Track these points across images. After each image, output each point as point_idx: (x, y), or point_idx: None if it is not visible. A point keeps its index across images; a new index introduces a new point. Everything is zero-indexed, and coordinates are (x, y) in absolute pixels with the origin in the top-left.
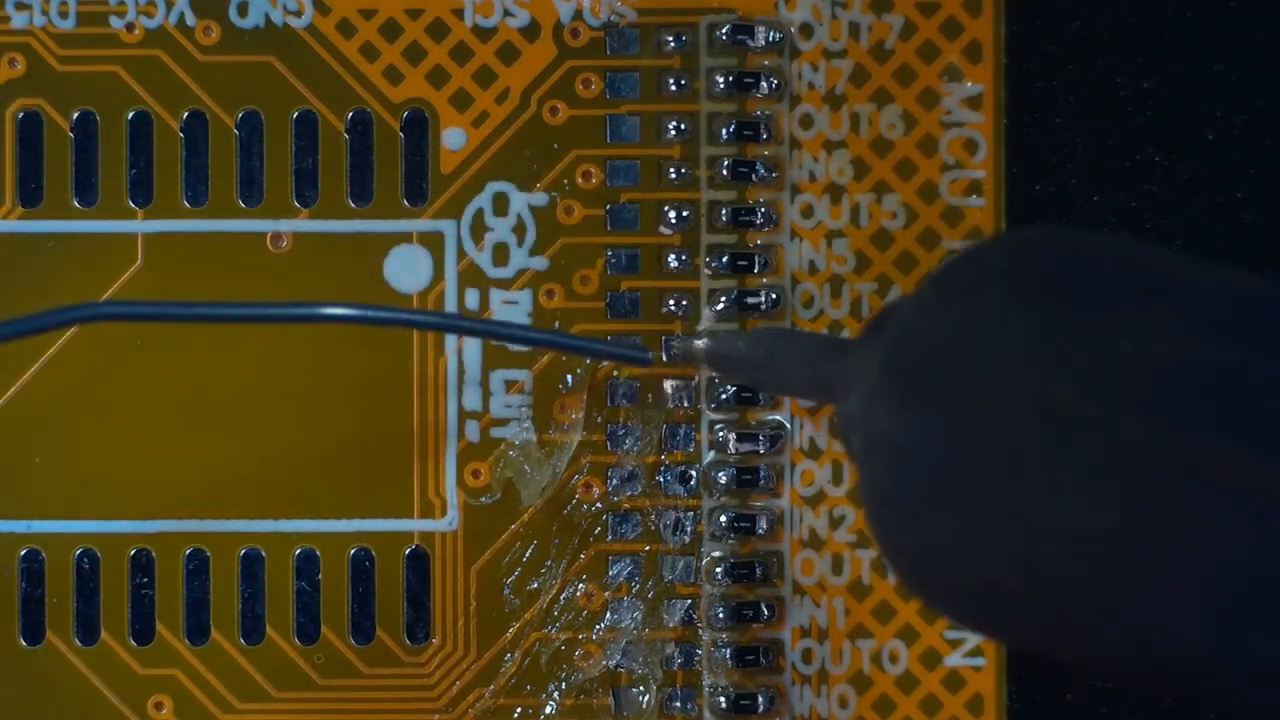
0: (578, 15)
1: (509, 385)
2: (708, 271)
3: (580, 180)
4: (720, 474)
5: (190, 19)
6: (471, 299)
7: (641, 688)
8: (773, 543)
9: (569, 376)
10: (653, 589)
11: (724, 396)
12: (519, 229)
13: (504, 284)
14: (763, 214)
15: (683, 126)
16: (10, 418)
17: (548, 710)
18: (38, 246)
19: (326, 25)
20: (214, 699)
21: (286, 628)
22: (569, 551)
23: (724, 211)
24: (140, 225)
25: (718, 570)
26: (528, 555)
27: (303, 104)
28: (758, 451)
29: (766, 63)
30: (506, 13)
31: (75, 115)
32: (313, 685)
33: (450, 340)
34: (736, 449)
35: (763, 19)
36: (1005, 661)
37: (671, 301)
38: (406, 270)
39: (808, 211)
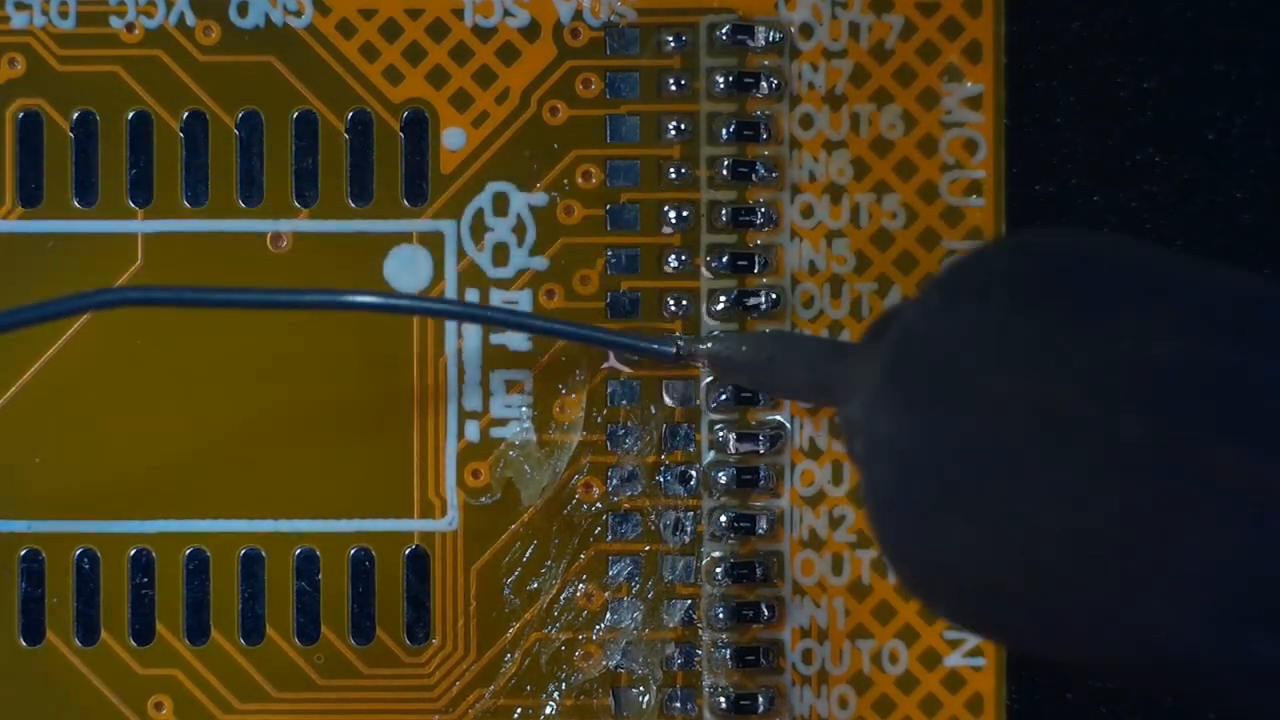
0: (578, 15)
1: (509, 385)
2: (708, 272)
3: (580, 180)
4: (720, 474)
5: (190, 19)
6: (471, 299)
7: (641, 688)
8: (773, 543)
9: (576, 373)
10: (653, 589)
11: (724, 396)
12: (519, 229)
13: (504, 284)
14: (763, 214)
15: (683, 126)
16: (10, 418)
17: (548, 710)
18: (38, 246)
19: (326, 25)
20: (214, 699)
21: (286, 628)
22: (569, 551)
23: (724, 211)
24: (140, 225)
25: (718, 570)
26: (528, 555)
27: (303, 104)
28: (758, 451)
29: (766, 63)
30: (506, 13)
31: (75, 115)
32: (313, 685)
33: (450, 341)
34: (736, 449)
35: (763, 19)
36: (1005, 661)
37: (671, 301)
38: (406, 270)
39: (808, 211)
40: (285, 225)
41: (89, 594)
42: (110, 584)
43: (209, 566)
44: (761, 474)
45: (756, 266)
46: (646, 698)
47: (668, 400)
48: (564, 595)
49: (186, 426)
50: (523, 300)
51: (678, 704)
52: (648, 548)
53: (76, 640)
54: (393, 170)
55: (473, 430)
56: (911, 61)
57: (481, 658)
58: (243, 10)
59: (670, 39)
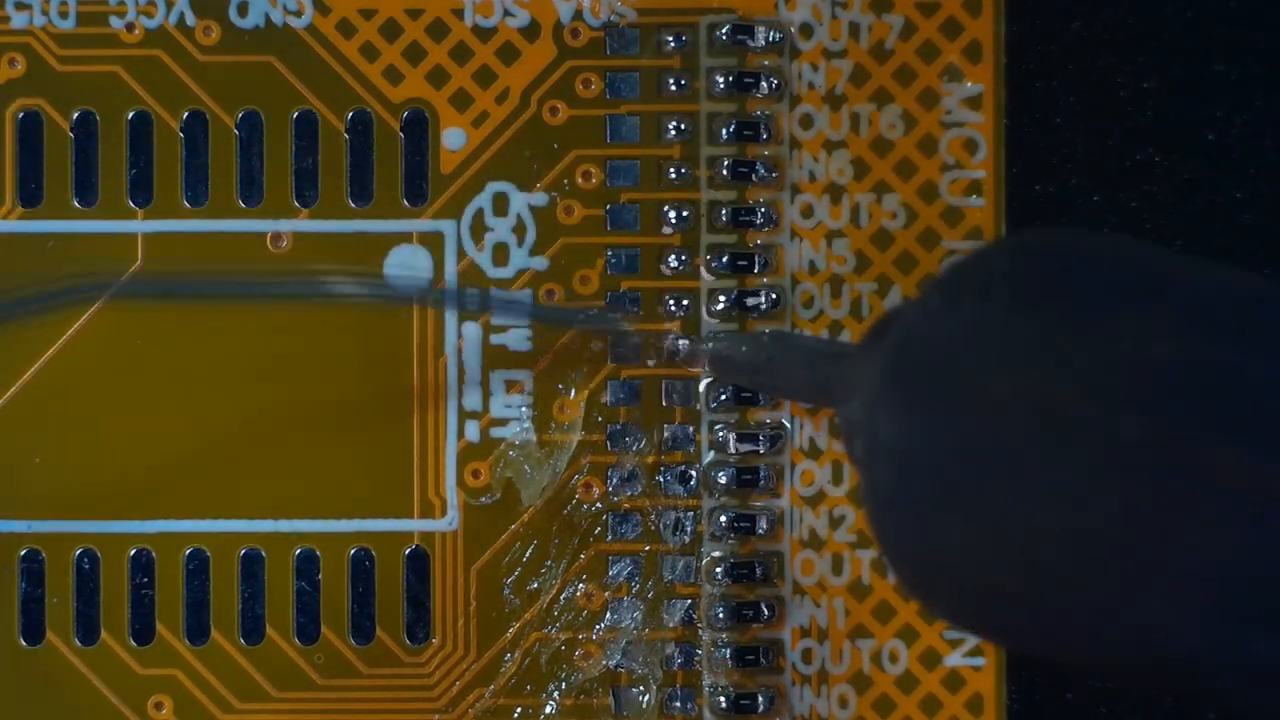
0: (578, 15)
1: (509, 385)
2: (708, 272)
3: (580, 180)
4: (720, 474)
5: (190, 19)
6: (472, 299)
7: (641, 688)
8: (773, 543)
9: (575, 373)
10: (653, 589)
11: (724, 396)
12: (519, 229)
13: (504, 284)
14: (763, 214)
15: (683, 126)
16: (10, 418)
17: (548, 710)
18: (38, 246)
19: (326, 25)
20: (214, 699)
21: (286, 628)
22: (569, 551)
23: (724, 211)
24: (140, 225)
25: (718, 570)
26: (528, 555)
27: (303, 104)
28: (758, 451)
29: (766, 63)
30: (506, 13)
31: (75, 115)
32: (313, 685)
33: (450, 341)
34: (736, 449)
35: (763, 19)
36: (1005, 661)
37: (671, 301)
38: (406, 270)
39: (808, 211)
40: (285, 225)
41: (89, 594)
42: (110, 584)
43: (209, 566)
44: (761, 474)
45: (756, 266)
46: (646, 698)
47: (667, 400)
48: (564, 595)
49: (186, 426)
50: (523, 300)
51: (678, 704)
52: (648, 548)
53: (76, 640)
54: (393, 170)
55: (473, 430)
56: (911, 61)
57: (481, 658)
58: (243, 10)
59: (670, 39)
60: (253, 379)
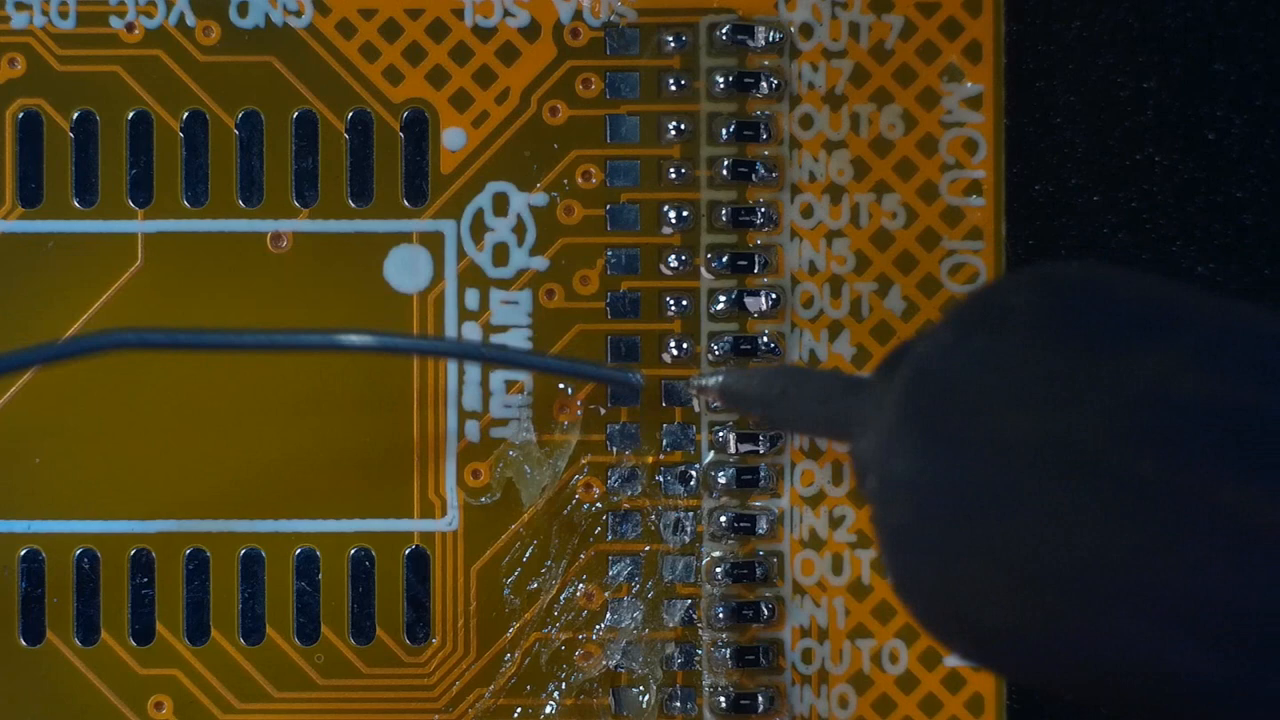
0: (578, 15)
1: (509, 385)
2: (708, 272)
3: (580, 180)
4: (720, 474)
5: (190, 19)
6: (471, 299)
7: (641, 688)
8: (773, 543)
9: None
10: (653, 589)
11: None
12: (519, 229)
13: (504, 284)
14: (763, 214)
15: (683, 126)
16: (10, 418)
17: (548, 710)
18: (38, 246)
19: (326, 25)
20: (214, 699)
21: (286, 628)
22: (569, 551)
23: (724, 211)
24: (140, 225)
25: (718, 570)
26: (528, 555)
27: (303, 104)
28: (758, 451)
29: (766, 63)
30: (506, 13)
31: (75, 115)
32: (313, 685)
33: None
34: (736, 449)
35: (763, 19)
36: None
37: (671, 301)
38: (406, 270)
39: (808, 211)
40: (285, 225)
41: (89, 594)
42: (110, 584)
43: (209, 566)
44: (761, 474)
45: (756, 266)
46: (646, 698)
47: (667, 400)
48: (564, 595)
49: (186, 427)
50: (523, 300)
51: (678, 704)
52: (648, 548)
53: (76, 640)
54: (393, 170)
55: (473, 430)
56: (911, 61)
57: (481, 658)
58: (243, 10)
59: (670, 39)
60: (253, 378)
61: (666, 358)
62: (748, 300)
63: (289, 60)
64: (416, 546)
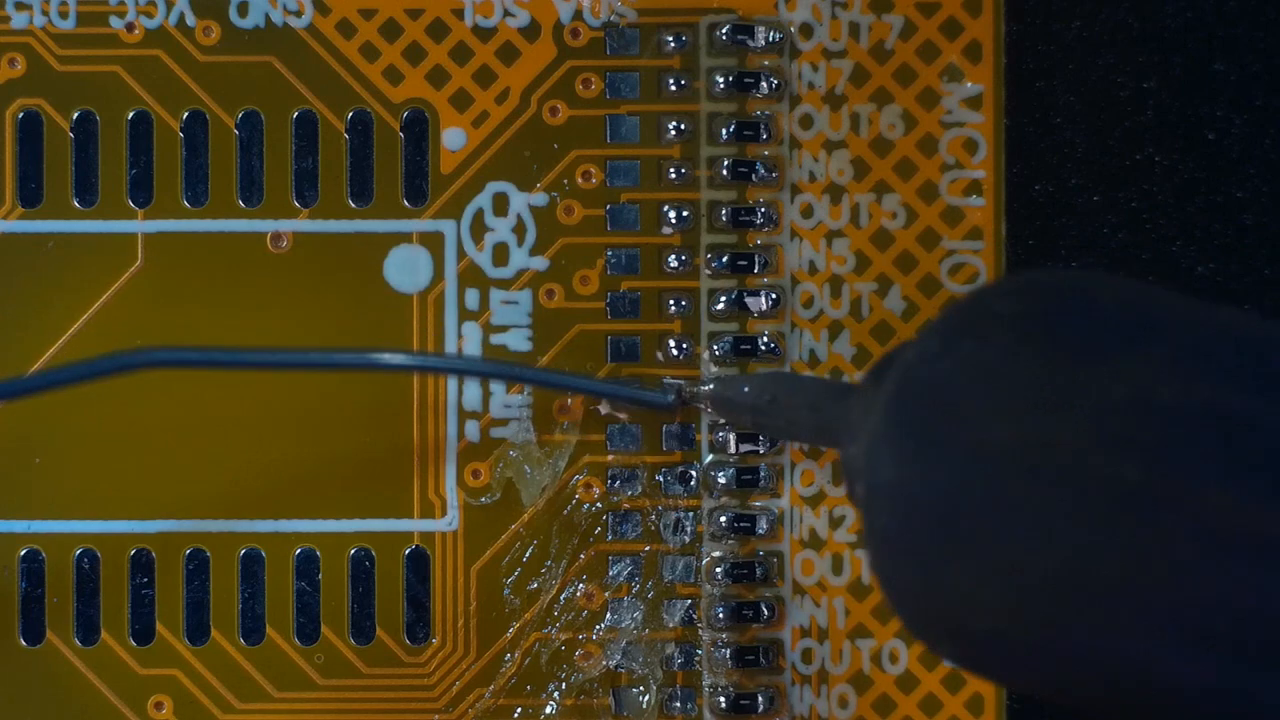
0: (578, 15)
1: (509, 385)
2: (708, 271)
3: (580, 180)
4: (720, 474)
5: (190, 19)
6: (471, 299)
7: (641, 688)
8: (773, 543)
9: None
10: (653, 589)
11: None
12: (519, 229)
13: (504, 284)
14: (763, 214)
15: (683, 126)
16: (10, 418)
17: (548, 710)
18: (38, 246)
19: (326, 25)
20: (214, 699)
21: (286, 628)
22: (569, 551)
23: (724, 211)
24: (140, 225)
25: (718, 570)
26: (528, 555)
27: (303, 104)
28: (758, 451)
29: (766, 63)
30: (506, 13)
31: (75, 115)
32: (313, 685)
33: (451, 341)
34: (736, 449)
35: (763, 19)
36: None
37: (671, 301)
38: (406, 270)
39: (808, 211)
40: (285, 225)
41: (89, 594)
42: (110, 584)
43: (209, 566)
44: (761, 474)
45: (756, 266)
46: (646, 698)
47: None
48: (564, 595)
49: (186, 427)
50: (523, 300)
51: (678, 704)
52: (648, 548)
53: (76, 640)
54: (393, 170)
55: (473, 430)
56: (911, 61)
57: (481, 658)
58: (243, 10)
59: (670, 39)
60: (252, 378)
61: (666, 358)
62: (748, 300)
63: (289, 60)
64: (416, 546)
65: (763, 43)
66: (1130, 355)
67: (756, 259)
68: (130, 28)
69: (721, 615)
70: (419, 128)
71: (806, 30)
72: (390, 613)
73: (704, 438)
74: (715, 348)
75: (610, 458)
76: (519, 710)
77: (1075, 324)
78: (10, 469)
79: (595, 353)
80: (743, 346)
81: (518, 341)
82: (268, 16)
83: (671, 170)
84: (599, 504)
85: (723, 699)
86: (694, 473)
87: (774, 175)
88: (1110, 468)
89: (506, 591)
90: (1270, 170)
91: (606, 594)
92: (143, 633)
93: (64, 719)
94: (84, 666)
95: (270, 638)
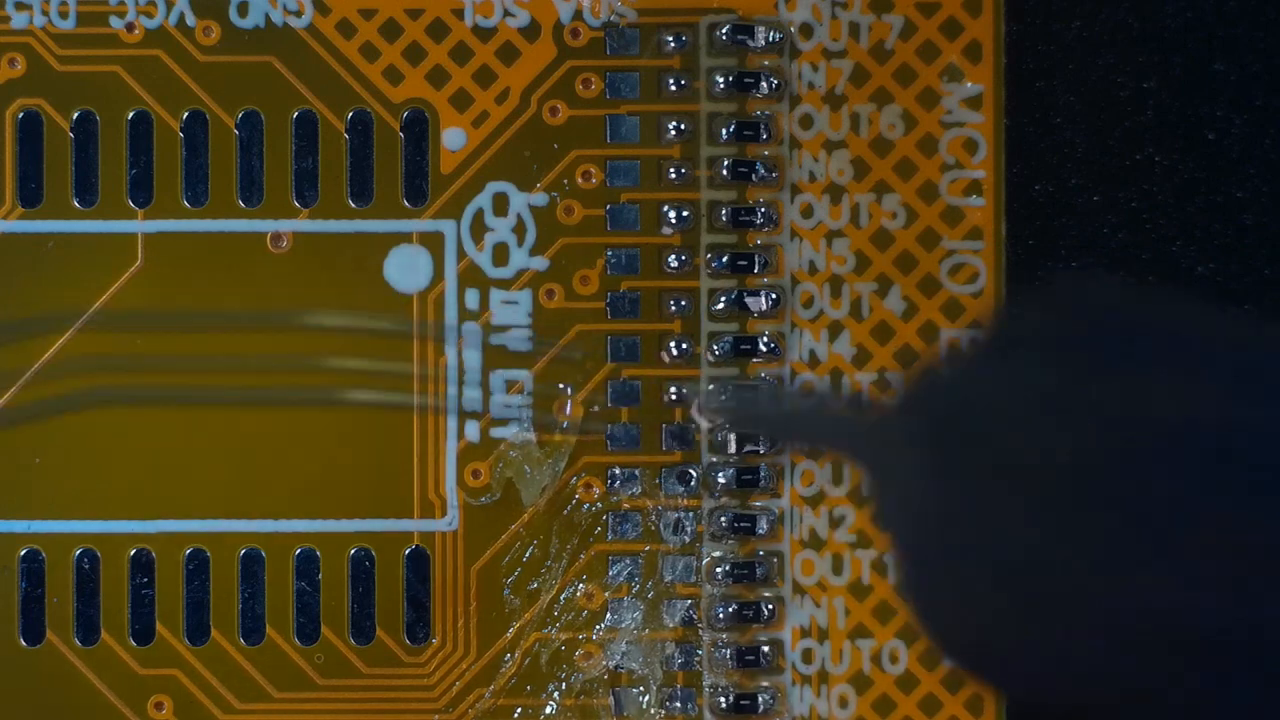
0: (578, 15)
1: (509, 385)
2: (708, 271)
3: (580, 180)
4: (720, 474)
5: (190, 19)
6: (471, 299)
7: (641, 688)
8: (773, 543)
9: (575, 373)
10: (653, 589)
11: (724, 397)
12: (519, 229)
13: (504, 284)
14: (763, 214)
15: (683, 126)
16: (11, 418)
17: (548, 710)
18: (38, 246)
19: (326, 25)
20: (214, 699)
21: (286, 628)
22: (569, 551)
23: (724, 211)
24: (140, 225)
25: (718, 570)
26: (528, 555)
27: (303, 104)
28: (758, 451)
29: (766, 63)
30: (506, 13)
31: (75, 115)
32: (313, 685)
33: (450, 340)
34: (736, 449)
35: (763, 19)
36: None
37: (671, 301)
38: (406, 270)
39: (808, 211)
40: (285, 225)
41: (89, 594)
42: (110, 584)
43: (209, 566)
44: (761, 474)
45: (756, 266)
46: (646, 698)
47: (667, 400)
48: (564, 595)
49: (186, 427)
50: (523, 300)
51: (678, 704)
52: (648, 548)
53: (76, 640)
54: (393, 170)
55: (473, 430)
56: (911, 61)
57: (481, 658)
58: (243, 10)
59: (670, 39)
60: (253, 379)
61: (666, 358)
62: (748, 300)
63: (289, 60)
64: (416, 546)
65: (763, 43)
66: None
67: (756, 259)
68: (130, 28)
69: (721, 615)
70: (419, 128)
71: (806, 30)
72: (390, 613)
73: (704, 438)
74: (715, 348)
75: (610, 458)
76: (519, 710)
77: (1101, 341)
78: (10, 469)
79: (595, 353)
80: (743, 346)
81: (518, 341)
82: (268, 16)
83: (671, 170)
84: (599, 504)
85: (723, 699)
86: (694, 473)
87: (774, 175)
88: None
89: (506, 591)
90: (1270, 170)
91: (606, 594)
92: (143, 633)
93: (64, 719)
94: (84, 666)
95: (270, 638)
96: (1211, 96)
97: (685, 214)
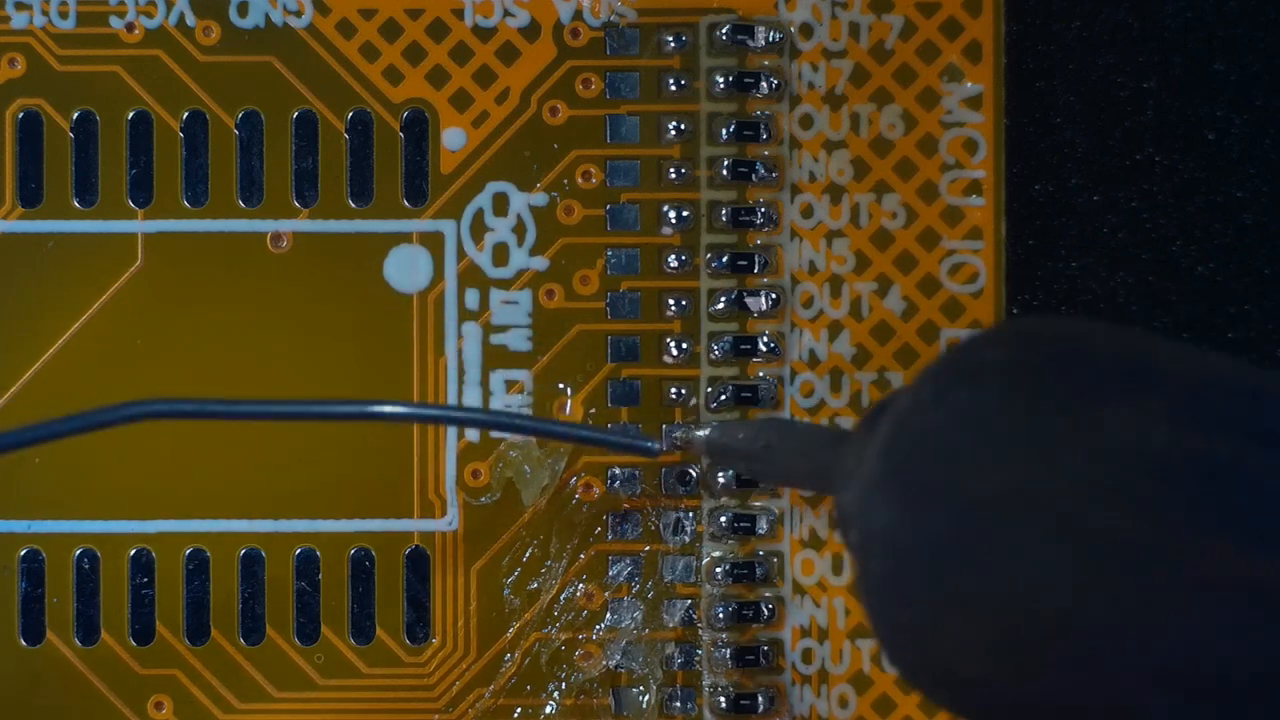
0: (578, 15)
1: (509, 385)
2: (708, 271)
3: (580, 180)
4: (720, 474)
5: (190, 19)
6: (471, 299)
7: (641, 688)
8: (773, 543)
9: (576, 373)
10: (653, 589)
11: (724, 397)
12: (519, 229)
13: (504, 284)
14: (763, 214)
15: (683, 126)
16: (10, 418)
17: (548, 710)
18: (38, 246)
19: (326, 25)
20: (214, 699)
21: (286, 628)
22: (569, 551)
23: (724, 211)
24: (140, 225)
25: (718, 570)
26: (528, 555)
27: (303, 104)
28: None
29: (766, 63)
30: (506, 13)
31: (75, 115)
32: (313, 685)
33: (450, 340)
34: None
35: (763, 19)
36: None
37: (671, 301)
38: (406, 270)
39: (808, 211)
40: (285, 225)
41: (89, 594)
42: (110, 584)
43: (209, 566)
44: None
45: (756, 266)
46: (646, 698)
47: (667, 400)
48: (564, 595)
49: (186, 427)
50: (523, 300)
51: (678, 704)
52: (648, 548)
53: (76, 640)
54: (393, 170)
55: (473, 430)
56: (911, 61)
57: (481, 658)
58: (243, 10)
59: (670, 39)
60: (253, 378)
61: (667, 358)
62: (748, 300)
63: (289, 60)
64: (416, 546)
65: (763, 43)
66: (1122, 404)
67: (756, 259)
68: (130, 28)
69: (721, 615)
70: (419, 128)
71: (806, 30)
72: (390, 613)
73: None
74: (715, 348)
75: (610, 458)
76: (519, 710)
77: (1067, 372)
78: (10, 469)
79: (595, 353)
80: (743, 346)
81: (518, 341)
82: (268, 16)
83: (671, 170)
84: (599, 504)
85: (723, 699)
86: (694, 473)
87: (774, 175)
88: (1101, 517)
89: (506, 591)
90: (1270, 170)
91: (606, 594)
92: (143, 633)
93: (64, 719)
94: (84, 666)
95: (270, 638)
96: (1211, 96)
97: (685, 214)
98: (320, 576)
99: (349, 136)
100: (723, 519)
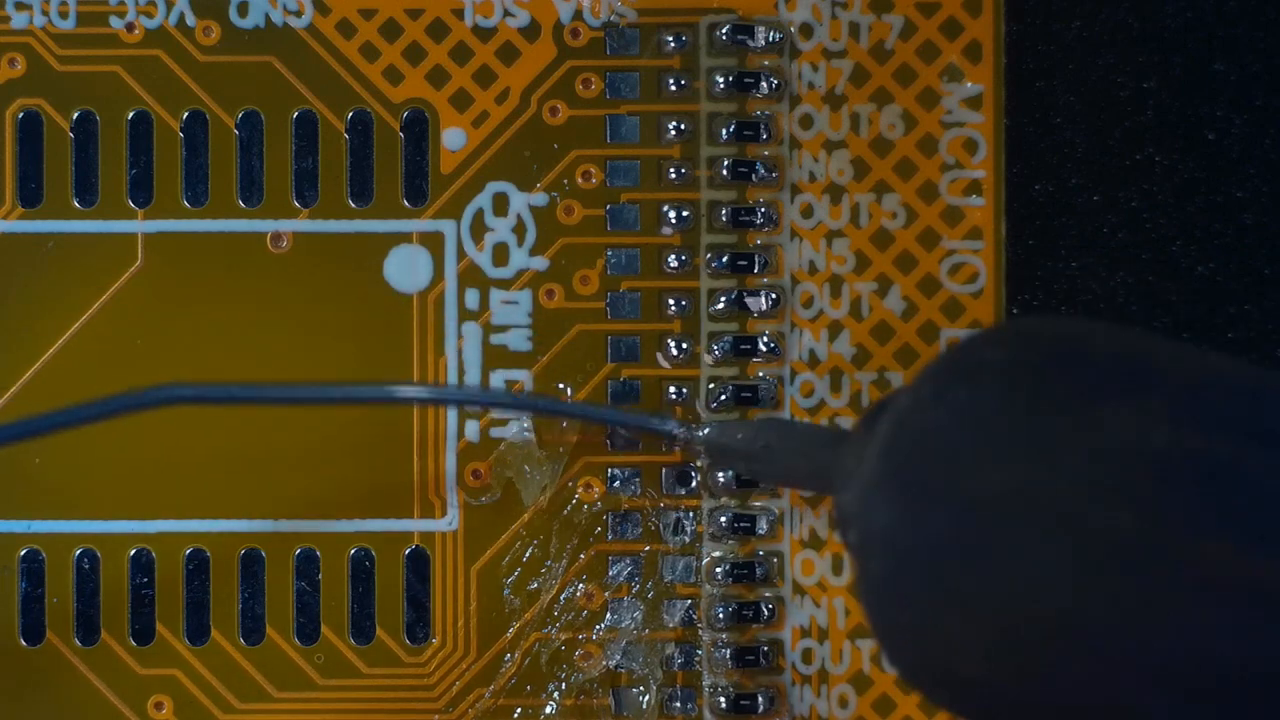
0: (578, 15)
1: (509, 385)
2: (708, 271)
3: (580, 180)
4: (720, 474)
5: (190, 19)
6: (471, 299)
7: (641, 688)
8: (773, 543)
9: (576, 373)
10: (653, 589)
11: (724, 397)
12: (519, 229)
13: (504, 284)
14: (763, 214)
15: (683, 126)
16: (10, 418)
17: (548, 710)
18: (38, 246)
19: (326, 25)
20: (214, 699)
21: (286, 628)
22: (569, 551)
23: (724, 211)
24: (140, 225)
25: (718, 570)
26: (528, 555)
27: (303, 104)
28: None
29: (766, 63)
30: (506, 13)
31: (75, 115)
32: (313, 685)
33: (450, 340)
34: None
35: (763, 19)
36: None
37: (671, 301)
38: (406, 270)
39: (808, 211)
40: (285, 225)
41: (89, 594)
42: (110, 584)
43: (209, 566)
44: None
45: (756, 266)
46: (646, 698)
47: (668, 400)
48: (564, 595)
49: (186, 427)
50: (523, 300)
51: (678, 704)
52: (648, 548)
53: (76, 640)
54: (393, 170)
55: (473, 430)
56: (911, 61)
57: (481, 658)
58: (243, 10)
59: (670, 39)
60: (253, 378)
61: (666, 358)
62: (748, 300)
63: (289, 60)
64: (416, 546)
65: (763, 43)
66: (1122, 404)
67: (756, 259)
68: (130, 28)
69: (721, 615)
70: (419, 128)
71: (806, 30)
72: (390, 613)
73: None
74: (715, 348)
75: (610, 458)
76: (519, 710)
77: (1067, 372)
78: (10, 469)
79: (595, 353)
80: (743, 346)
81: (518, 341)
82: (268, 16)
83: (671, 170)
84: (599, 504)
85: (723, 699)
86: (694, 473)
87: (774, 175)
88: (1101, 517)
89: (506, 591)
90: (1270, 170)
91: (606, 594)
92: (143, 633)
93: (64, 719)
94: (84, 666)
95: (270, 638)
96: (1211, 96)
97: (685, 214)
98: (320, 576)
99: (349, 136)
100: (723, 519)
